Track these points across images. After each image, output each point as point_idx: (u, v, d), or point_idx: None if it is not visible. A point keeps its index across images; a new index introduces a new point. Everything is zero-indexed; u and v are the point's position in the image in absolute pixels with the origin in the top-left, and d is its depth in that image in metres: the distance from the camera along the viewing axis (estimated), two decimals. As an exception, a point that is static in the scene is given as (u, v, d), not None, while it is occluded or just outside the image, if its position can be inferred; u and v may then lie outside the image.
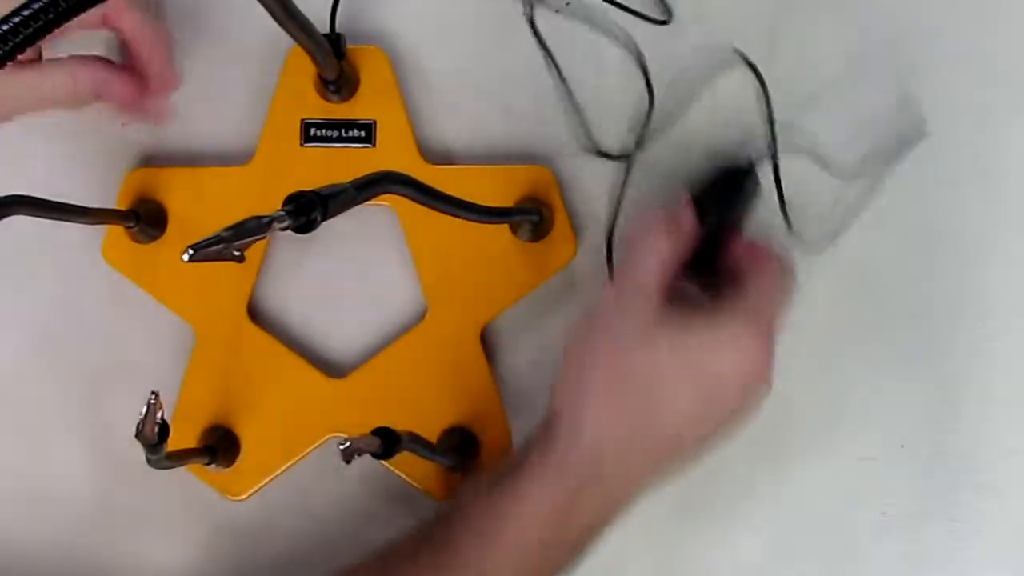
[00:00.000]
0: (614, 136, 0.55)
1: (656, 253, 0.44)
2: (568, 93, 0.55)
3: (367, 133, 0.54)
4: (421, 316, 0.54)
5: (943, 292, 0.55)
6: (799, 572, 0.54)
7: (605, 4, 0.55)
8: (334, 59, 0.51)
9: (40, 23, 0.30)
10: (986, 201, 0.55)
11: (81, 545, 0.54)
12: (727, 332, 0.43)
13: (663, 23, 0.56)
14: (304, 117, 0.54)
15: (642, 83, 0.55)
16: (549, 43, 0.55)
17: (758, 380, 0.43)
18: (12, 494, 0.54)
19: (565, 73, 0.55)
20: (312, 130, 0.54)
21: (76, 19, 0.34)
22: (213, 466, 0.52)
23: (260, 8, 0.41)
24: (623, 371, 0.43)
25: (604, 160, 0.55)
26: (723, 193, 0.47)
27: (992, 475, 0.54)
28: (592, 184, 0.55)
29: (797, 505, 0.54)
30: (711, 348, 0.42)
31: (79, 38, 0.51)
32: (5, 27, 0.29)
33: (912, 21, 0.57)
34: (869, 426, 0.54)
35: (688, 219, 0.45)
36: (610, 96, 0.55)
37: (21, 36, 0.30)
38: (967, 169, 0.56)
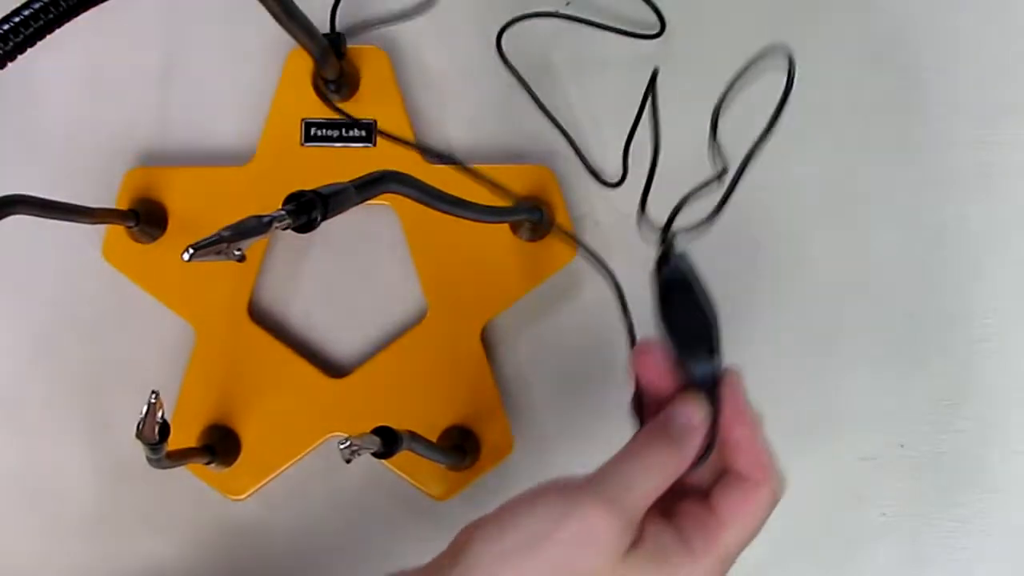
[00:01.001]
0: (609, 152, 0.55)
1: (661, 473, 0.36)
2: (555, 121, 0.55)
3: (367, 133, 0.55)
4: (421, 316, 0.54)
5: (943, 292, 0.55)
6: (799, 572, 0.54)
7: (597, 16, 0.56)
8: (334, 59, 0.51)
9: (41, 23, 0.30)
10: (986, 201, 0.56)
11: (81, 544, 0.54)
12: None
13: (655, 36, 0.56)
14: (304, 117, 0.54)
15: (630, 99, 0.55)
16: (538, 55, 0.55)
17: None
18: (12, 493, 0.54)
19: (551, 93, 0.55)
20: (312, 130, 0.54)
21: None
22: (213, 465, 0.52)
23: (260, 8, 0.41)
24: None
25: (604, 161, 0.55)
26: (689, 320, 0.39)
27: (992, 475, 0.54)
28: (592, 183, 0.55)
29: (797, 505, 0.54)
30: None
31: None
32: (5, 27, 0.29)
33: (912, 21, 0.57)
34: (869, 426, 0.54)
35: (701, 436, 0.38)
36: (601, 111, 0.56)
37: (22, 36, 0.30)
38: (967, 169, 0.56)
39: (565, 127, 0.56)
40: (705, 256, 0.56)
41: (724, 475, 0.39)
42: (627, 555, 0.35)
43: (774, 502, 0.39)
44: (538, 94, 0.56)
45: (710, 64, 0.56)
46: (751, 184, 0.57)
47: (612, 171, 0.55)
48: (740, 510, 0.38)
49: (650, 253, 0.40)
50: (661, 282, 0.39)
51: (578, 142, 0.55)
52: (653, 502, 0.36)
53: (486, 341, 0.53)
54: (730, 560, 0.38)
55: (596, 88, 0.56)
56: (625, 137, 0.55)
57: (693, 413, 0.38)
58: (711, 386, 0.39)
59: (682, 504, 0.39)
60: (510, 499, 0.36)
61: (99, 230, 0.54)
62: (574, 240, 0.52)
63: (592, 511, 0.34)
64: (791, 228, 0.56)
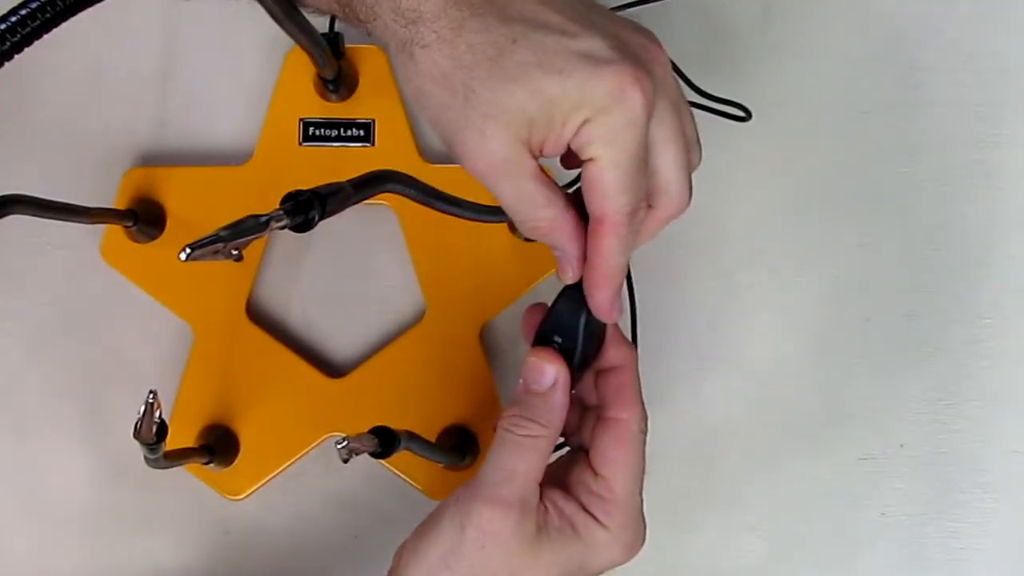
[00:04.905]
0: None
1: (534, 450, 0.37)
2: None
3: (366, 132, 0.54)
4: (420, 316, 0.54)
5: (943, 291, 0.55)
6: (799, 572, 0.53)
7: None
8: (333, 59, 0.51)
9: (39, 21, 0.30)
10: (986, 201, 0.56)
11: (79, 545, 0.54)
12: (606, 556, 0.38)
13: None
14: (303, 116, 0.54)
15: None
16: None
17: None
18: (10, 493, 0.54)
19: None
20: (311, 129, 0.54)
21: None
22: (212, 465, 0.51)
23: (260, 8, 0.41)
24: None
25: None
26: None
27: (992, 475, 0.54)
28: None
29: (797, 505, 0.54)
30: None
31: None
32: (3, 26, 0.29)
33: (912, 21, 0.57)
34: (869, 426, 0.54)
35: (559, 396, 0.38)
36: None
37: (20, 35, 0.29)
38: (967, 169, 0.56)
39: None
40: (705, 254, 0.56)
41: (594, 426, 0.39)
42: (537, 538, 0.36)
43: (641, 430, 0.39)
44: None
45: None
46: (750, 183, 0.57)
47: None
48: (614, 457, 0.38)
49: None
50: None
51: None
52: (543, 476, 0.37)
53: (485, 341, 0.53)
54: (634, 505, 0.38)
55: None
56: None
57: (541, 376, 0.38)
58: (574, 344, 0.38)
59: (573, 472, 0.39)
60: (428, 515, 0.38)
61: (97, 230, 0.54)
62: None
63: (484, 512, 0.36)
64: (790, 227, 0.56)
